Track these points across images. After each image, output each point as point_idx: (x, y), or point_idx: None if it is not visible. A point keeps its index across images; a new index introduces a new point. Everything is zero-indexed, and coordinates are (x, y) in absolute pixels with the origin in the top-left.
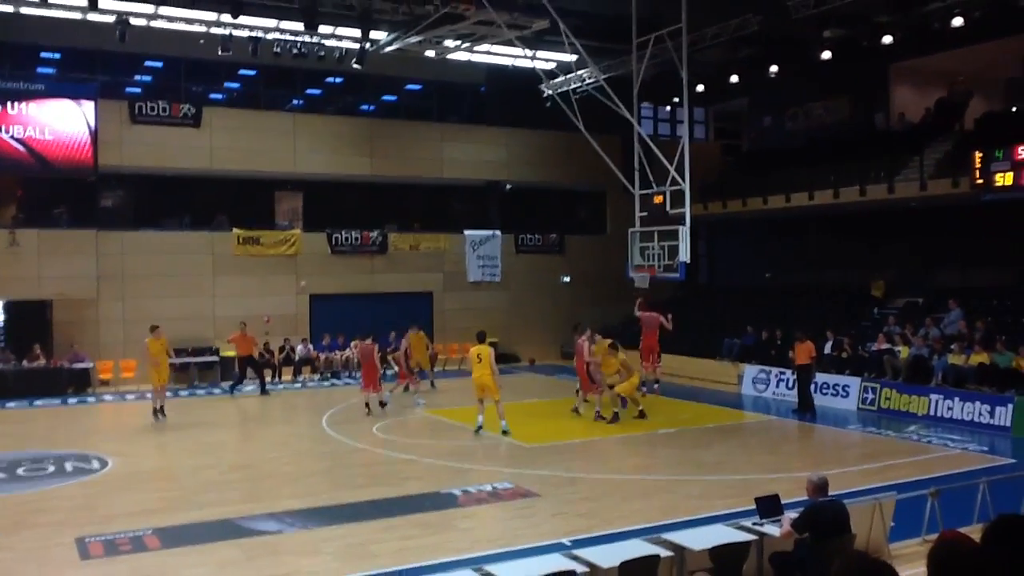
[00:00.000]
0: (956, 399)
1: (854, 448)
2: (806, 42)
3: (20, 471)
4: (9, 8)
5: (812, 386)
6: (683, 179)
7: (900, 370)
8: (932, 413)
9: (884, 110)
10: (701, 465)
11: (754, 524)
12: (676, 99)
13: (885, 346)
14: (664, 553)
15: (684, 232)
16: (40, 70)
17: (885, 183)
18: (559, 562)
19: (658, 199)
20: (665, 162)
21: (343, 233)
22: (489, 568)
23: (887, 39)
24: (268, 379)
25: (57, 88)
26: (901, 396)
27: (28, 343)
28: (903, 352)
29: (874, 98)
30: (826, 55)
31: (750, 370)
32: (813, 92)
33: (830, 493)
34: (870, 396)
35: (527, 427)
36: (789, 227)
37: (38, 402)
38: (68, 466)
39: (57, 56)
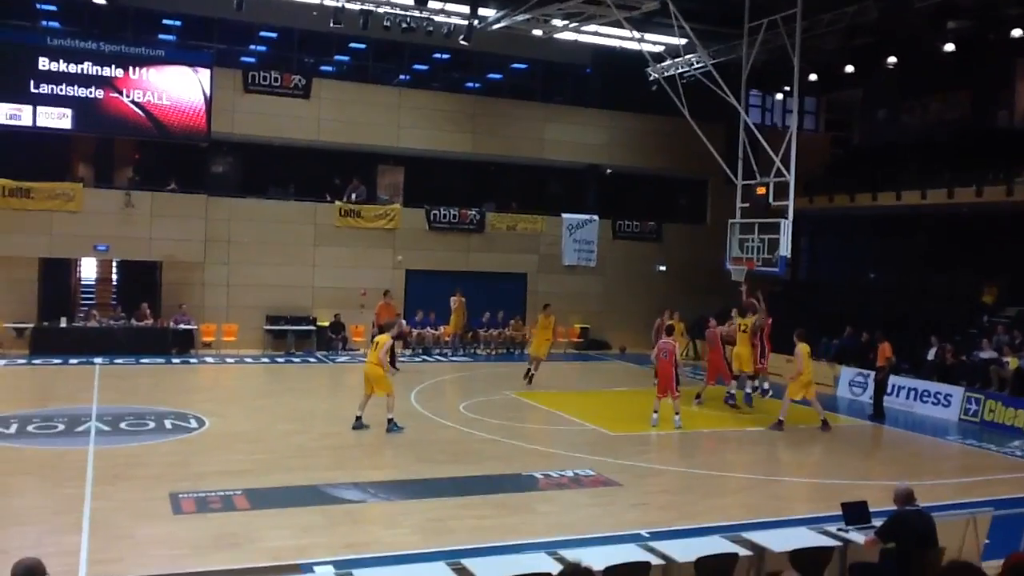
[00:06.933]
0: None
1: (951, 460)
2: (927, 33)
3: (123, 425)
4: None
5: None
6: (788, 171)
7: (1007, 381)
8: None
9: (1008, 107)
10: (788, 466)
11: (839, 530)
12: (786, 87)
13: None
14: (743, 552)
15: (786, 226)
16: (160, 37)
17: (1004, 184)
18: (635, 552)
19: (761, 190)
20: (771, 152)
21: (441, 210)
22: (564, 553)
23: (1016, 32)
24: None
25: (176, 55)
26: (1007, 409)
27: (137, 302)
28: (1012, 363)
29: (997, 94)
30: (948, 47)
31: (847, 372)
32: (932, 86)
33: (921, 504)
34: (973, 407)
35: (613, 416)
36: (898, 226)
37: (144, 360)
38: (167, 423)
39: (176, 23)
